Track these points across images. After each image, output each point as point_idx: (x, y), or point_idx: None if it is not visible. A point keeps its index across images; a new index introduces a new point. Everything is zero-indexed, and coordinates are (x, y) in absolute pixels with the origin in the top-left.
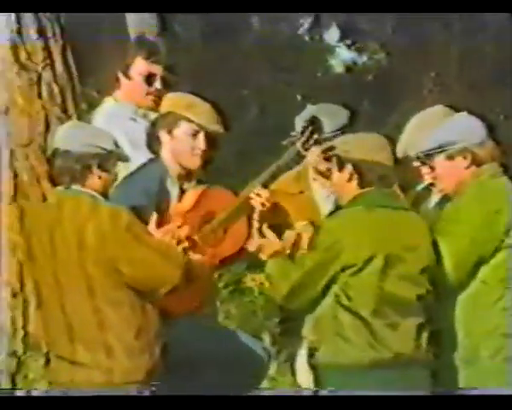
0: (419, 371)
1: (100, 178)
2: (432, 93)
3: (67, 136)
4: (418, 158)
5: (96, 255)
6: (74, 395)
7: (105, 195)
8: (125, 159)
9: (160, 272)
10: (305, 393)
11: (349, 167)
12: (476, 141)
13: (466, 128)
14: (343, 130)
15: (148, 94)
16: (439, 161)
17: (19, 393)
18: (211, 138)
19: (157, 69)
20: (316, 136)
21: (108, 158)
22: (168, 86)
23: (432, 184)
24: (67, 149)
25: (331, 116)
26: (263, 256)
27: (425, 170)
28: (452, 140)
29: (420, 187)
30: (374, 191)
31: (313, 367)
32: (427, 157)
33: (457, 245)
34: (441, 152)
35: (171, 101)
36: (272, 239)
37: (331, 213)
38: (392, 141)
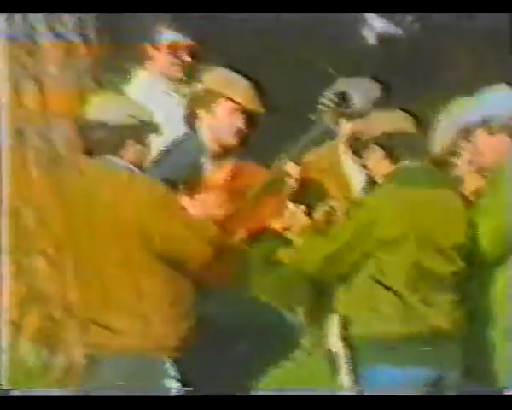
0: (453, 347)
1: (136, 149)
2: (469, 67)
3: (102, 107)
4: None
5: (133, 227)
6: (74, 396)
7: (140, 167)
8: (159, 132)
9: (191, 247)
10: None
11: (375, 149)
12: None
13: (508, 103)
14: (375, 104)
15: (176, 65)
16: (480, 135)
17: (16, 393)
18: (249, 117)
19: (185, 40)
20: (345, 110)
21: (144, 130)
22: (199, 59)
23: (472, 158)
24: (103, 121)
25: (362, 90)
26: (290, 234)
27: (465, 145)
28: (494, 115)
29: (459, 161)
30: (407, 167)
31: (346, 339)
32: (467, 132)
33: (497, 220)
34: (483, 126)
35: (211, 77)
36: (299, 216)
37: (366, 191)
38: (418, 117)
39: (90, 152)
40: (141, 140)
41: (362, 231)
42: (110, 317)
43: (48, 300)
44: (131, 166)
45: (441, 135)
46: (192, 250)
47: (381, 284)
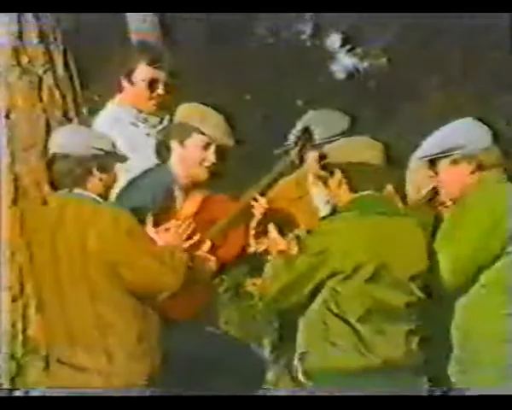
0: (410, 376)
1: (101, 180)
2: (434, 99)
3: (65, 139)
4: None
5: (98, 259)
6: (74, 395)
7: (106, 197)
8: (123, 160)
9: (159, 278)
10: (303, 393)
11: (338, 172)
12: (481, 146)
13: (471, 133)
14: (342, 136)
15: (150, 99)
16: (444, 165)
17: (17, 393)
18: (220, 151)
19: (160, 75)
20: (308, 145)
21: (107, 159)
22: (171, 91)
23: (435, 189)
24: (67, 153)
25: (330, 122)
26: (270, 255)
27: (430, 174)
28: (457, 145)
29: (424, 190)
30: (368, 196)
31: (304, 371)
32: (431, 162)
33: (459, 250)
34: (446, 157)
35: (185, 111)
36: (277, 238)
37: (325, 218)
38: (387, 145)
39: (55, 184)
40: (106, 169)
41: (316, 260)
42: (74, 354)
43: (10, 337)
44: (97, 196)
45: (412, 169)
46: (158, 281)
47: (335, 315)
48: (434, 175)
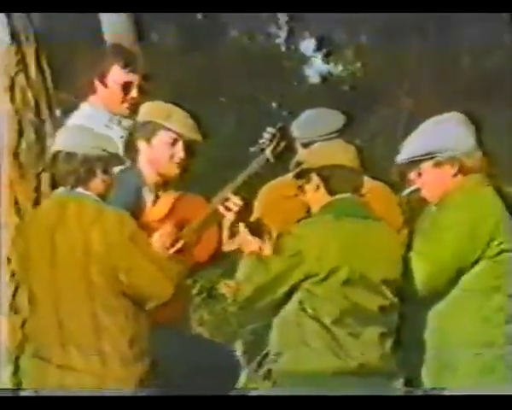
0: (384, 380)
1: (103, 181)
2: (406, 103)
3: (72, 138)
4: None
5: (100, 262)
6: (74, 395)
7: (105, 198)
8: (123, 163)
9: (155, 285)
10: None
11: (314, 176)
12: (464, 150)
13: (455, 136)
14: (336, 134)
15: (123, 102)
16: (427, 167)
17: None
18: (188, 147)
19: (133, 78)
20: (284, 143)
21: (110, 161)
22: (144, 94)
23: (418, 189)
24: (71, 152)
25: (326, 120)
26: (242, 255)
27: (413, 175)
28: (441, 147)
29: (406, 192)
30: (344, 200)
31: (278, 372)
32: (414, 163)
33: (439, 253)
34: (429, 159)
35: (149, 109)
36: (249, 238)
37: (300, 220)
38: (360, 149)
39: (56, 182)
40: (108, 171)
41: (291, 262)
42: (67, 354)
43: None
44: (98, 197)
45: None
46: (154, 288)
47: (310, 316)
48: (417, 176)
